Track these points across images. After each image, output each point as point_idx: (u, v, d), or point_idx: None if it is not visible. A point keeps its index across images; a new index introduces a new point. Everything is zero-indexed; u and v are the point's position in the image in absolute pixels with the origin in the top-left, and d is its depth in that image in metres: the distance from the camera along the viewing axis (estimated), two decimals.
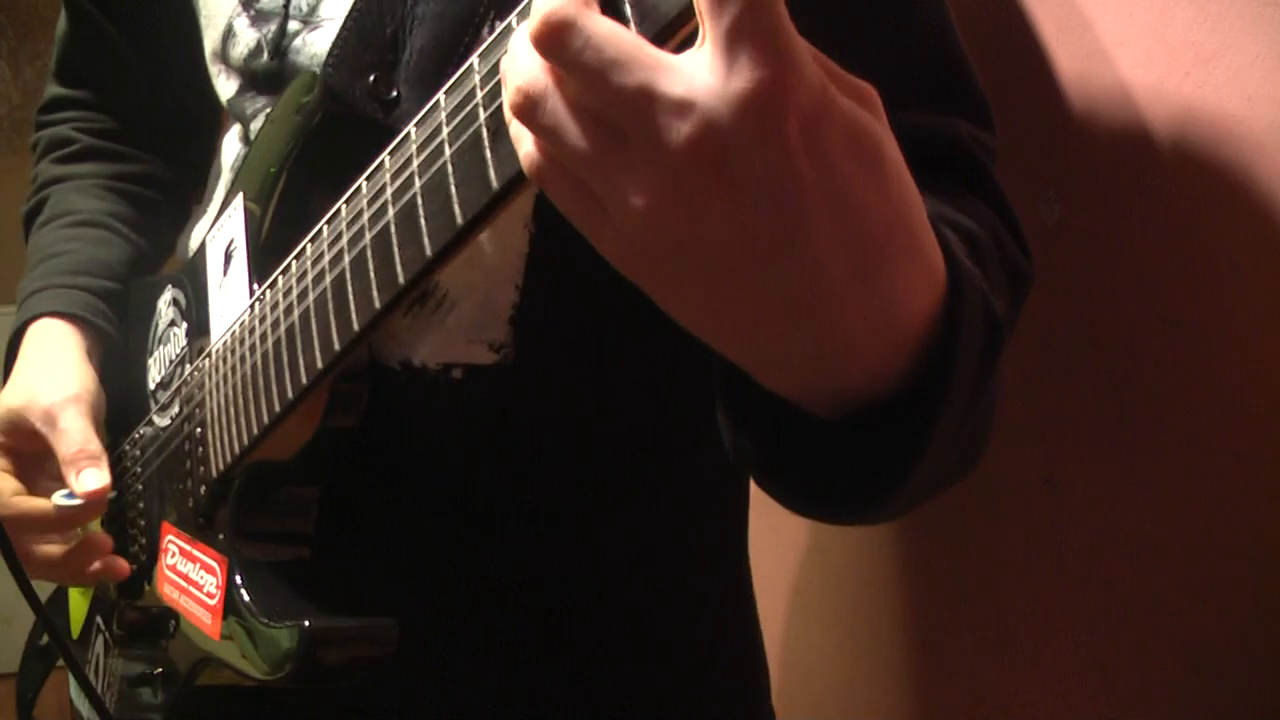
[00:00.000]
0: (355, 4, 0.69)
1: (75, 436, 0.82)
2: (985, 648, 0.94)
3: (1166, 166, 0.75)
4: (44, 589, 0.98)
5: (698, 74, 0.37)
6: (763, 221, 0.38)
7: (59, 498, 0.81)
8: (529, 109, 0.40)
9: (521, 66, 0.40)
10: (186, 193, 1.06)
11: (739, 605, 0.87)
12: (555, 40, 0.38)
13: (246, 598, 0.70)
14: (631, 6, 0.40)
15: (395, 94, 0.67)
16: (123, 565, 0.85)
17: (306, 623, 0.65)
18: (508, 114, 0.41)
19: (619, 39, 0.38)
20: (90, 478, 0.80)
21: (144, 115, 1.02)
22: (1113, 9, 0.78)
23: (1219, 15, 0.70)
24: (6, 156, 3.29)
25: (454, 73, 0.48)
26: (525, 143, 0.42)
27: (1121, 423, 0.79)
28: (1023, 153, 0.86)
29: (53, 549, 0.84)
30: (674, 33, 0.40)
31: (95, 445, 0.82)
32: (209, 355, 0.76)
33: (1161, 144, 0.75)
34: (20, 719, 1.01)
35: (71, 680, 0.96)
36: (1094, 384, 0.82)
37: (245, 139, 0.81)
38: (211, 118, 1.05)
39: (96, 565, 0.84)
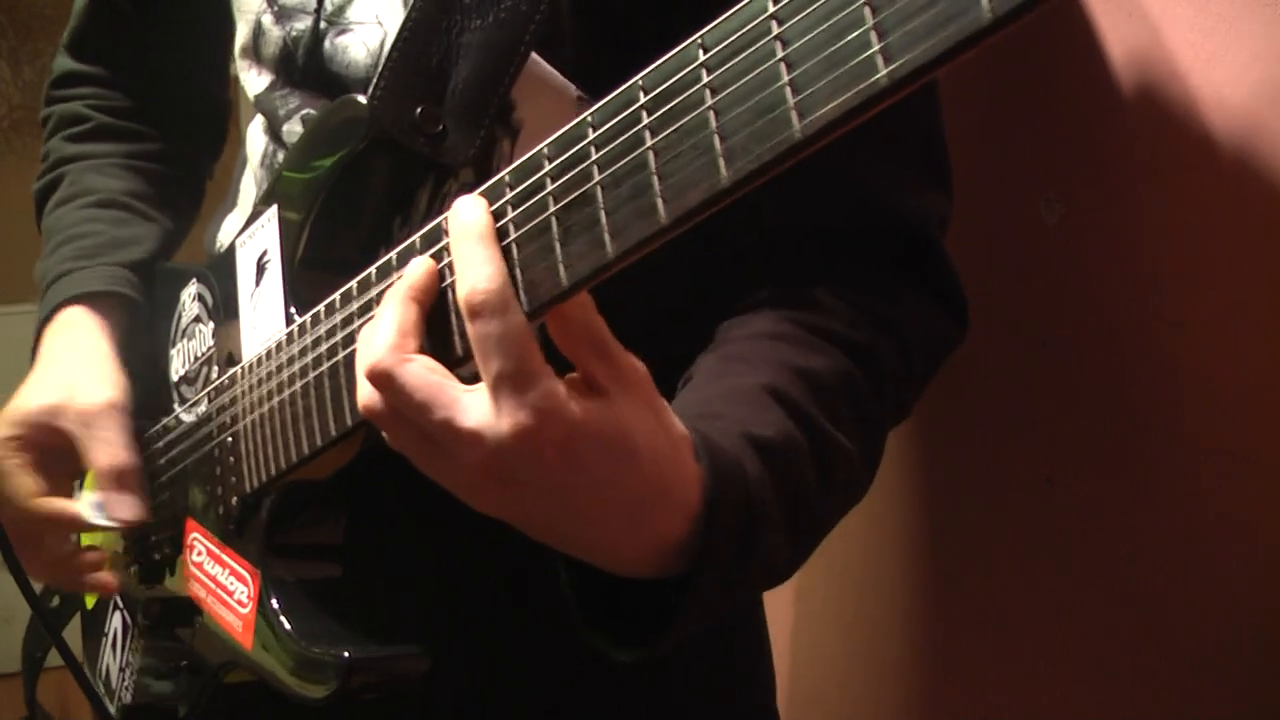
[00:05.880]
0: (400, 33, 0.68)
1: (113, 447, 0.82)
2: (985, 648, 0.94)
3: (1167, 166, 0.75)
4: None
5: (481, 411, 0.50)
6: (546, 508, 0.53)
7: (89, 510, 0.81)
8: (371, 416, 0.55)
9: (362, 389, 0.55)
10: (203, 169, 1.05)
11: (748, 610, 0.87)
12: (378, 383, 0.53)
13: (287, 625, 0.71)
14: (460, 342, 0.54)
15: (441, 128, 0.67)
16: (111, 584, 0.86)
17: (346, 653, 0.68)
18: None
19: (426, 385, 0.51)
20: (126, 503, 0.81)
21: (159, 96, 1.01)
22: (1113, 9, 0.78)
23: (1219, 15, 0.70)
24: (6, 157, 3.29)
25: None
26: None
27: (1121, 423, 0.79)
28: (1023, 153, 0.86)
29: (58, 551, 0.84)
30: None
31: (131, 459, 0.82)
32: (243, 368, 0.75)
33: (1162, 144, 0.75)
34: (26, 678, 1.01)
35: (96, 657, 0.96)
36: (1094, 384, 0.82)
37: (273, 134, 0.81)
38: (229, 102, 1.05)
39: (91, 577, 0.85)
